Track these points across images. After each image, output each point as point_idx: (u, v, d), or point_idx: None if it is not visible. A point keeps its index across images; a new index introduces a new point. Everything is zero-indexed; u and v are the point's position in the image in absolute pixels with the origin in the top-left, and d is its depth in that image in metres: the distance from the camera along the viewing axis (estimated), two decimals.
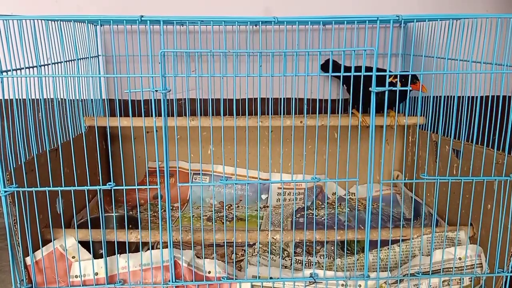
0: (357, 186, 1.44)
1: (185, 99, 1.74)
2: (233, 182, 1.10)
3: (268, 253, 1.30)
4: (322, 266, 1.17)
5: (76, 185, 1.08)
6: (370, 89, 0.98)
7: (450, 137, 1.23)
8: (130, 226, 1.34)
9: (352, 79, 1.09)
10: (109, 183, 1.05)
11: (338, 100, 1.50)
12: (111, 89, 1.73)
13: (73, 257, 1.13)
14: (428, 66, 1.42)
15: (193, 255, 1.13)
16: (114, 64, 1.64)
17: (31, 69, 1.10)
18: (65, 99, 1.22)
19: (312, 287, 1.11)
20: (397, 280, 1.12)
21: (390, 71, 1.04)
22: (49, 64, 1.20)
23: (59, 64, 1.27)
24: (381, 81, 1.00)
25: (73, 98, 1.38)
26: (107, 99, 1.67)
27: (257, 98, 1.65)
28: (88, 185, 1.07)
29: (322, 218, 1.58)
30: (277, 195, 1.76)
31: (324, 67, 1.57)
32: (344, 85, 1.54)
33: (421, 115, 1.50)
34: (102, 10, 1.69)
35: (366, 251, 1.10)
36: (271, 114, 1.47)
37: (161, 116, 0.98)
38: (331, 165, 1.75)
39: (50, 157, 1.11)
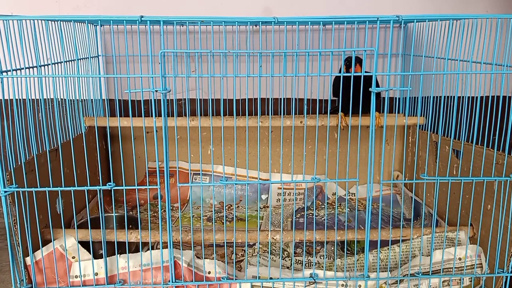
0: (357, 186, 1.44)
1: (185, 99, 1.74)
2: (233, 182, 1.10)
3: (268, 253, 1.30)
4: (322, 266, 1.17)
5: (76, 185, 1.08)
6: (370, 89, 0.98)
7: (450, 137, 1.23)
8: (130, 226, 1.34)
9: (341, 79, 1.10)
10: (109, 183, 1.05)
11: (338, 100, 1.50)
12: (111, 89, 1.73)
13: (73, 257, 1.13)
14: (428, 67, 1.42)
15: (193, 255, 1.13)
16: (114, 64, 1.65)
17: (31, 69, 1.10)
18: (65, 99, 1.22)
19: (312, 287, 1.11)
20: (397, 280, 1.12)
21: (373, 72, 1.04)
22: (49, 64, 1.20)
23: (59, 64, 1.27)
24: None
25: (73, 98, 1.38)
26: (107, 99, 1.67)
27: (257, 98, 1.65)
28: (88, 185, 1.07)
29: (322, 218, 1.58)
30: (277, 195, 1.76)
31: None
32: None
33: (421, 115, 1.50)
34: (102, 10, 1.69)
35: (366, 251, 1.10)
36: (271, 114, 1.47)
37: (161, 116, 0.98)
38: (331, 165, 1.75)
39: (50, 157, 1.11)
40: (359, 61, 1.33)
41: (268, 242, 1.25)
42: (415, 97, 1.64)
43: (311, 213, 1.63)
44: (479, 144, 1.18)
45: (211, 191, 1.75)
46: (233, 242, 1.26)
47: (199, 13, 1.70)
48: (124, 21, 1.11)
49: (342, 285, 1.11)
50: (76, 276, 1.11)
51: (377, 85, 1.24)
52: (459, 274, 1.13)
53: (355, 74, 1.01)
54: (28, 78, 1.00)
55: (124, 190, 1.37)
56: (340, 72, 1.38)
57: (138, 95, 1.67)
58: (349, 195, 1.77)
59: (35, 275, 1.11)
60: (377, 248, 1.14)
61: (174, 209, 1.68)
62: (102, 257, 1.10)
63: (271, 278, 1.11)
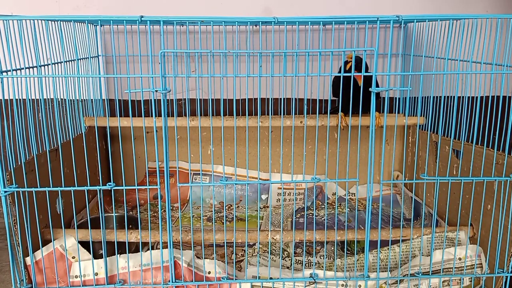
0: (357, 186, 1.44)
1: (185, 99, 1.74)
2: (233, 182, 1.10)
3: (268, 253, 1.30)
4: (322, 266, 1.17)
5: (76, 185, 1.08)
6: (370, 89, 0.98)
7: (450, 137, 1.23)
8: (130, 226, 1.34)
9: (341, 79, 1.10)
10: (109, 183, 1.05)
11: (338, 100, 1.50)
12: (111, 89, 1.73)
13: (73, 257, 1.13)
14: (428, 67, 1.42)
15: (193, 255, 1.13)
16: (114, 64, 1.65)
17: (31, 69, 1.10)
18: (65, 99, 1.22)
19: (312, 287, 1.11)
20: (397, 280, 1.12)
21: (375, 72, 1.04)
22: (49, 64, 1.20)
23: (59, 64, 1.27)
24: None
25: (73, 98, 1.38)
26: (107, 99, 1.67)
27: (257, 98, 1.65)
28: (88, 185, 1.07)
29: (322, 218, 1.58)
30: (277, 195, 1.76)
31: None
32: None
33: (421, 115, 1.50)
34: (102, 10, 1.69)
35: (366, 251, 1.10)
36: (271, 114, 1.47)
37: (161, 116, 0.98)
38: (331, 165, 1.75)
39: (50, 157, 1.11)
40: (359, 61, 1.33)
41: (268, 242, 1.25)
42: (415, 97, 1.64)
43: (311, 213, 1.63)
44: (479, 144, 1.18)
45: (211, 191, 1.75)
46: (233, 242, 1.26)
47: (199, 13, 1.70)
48: (124, 21, 1.11)
49: (342, 285, 1.11)
50: (76, 276, 1.11)
51: (377, 85, 1.23)
52: (459, 274, 1.13)
53: (355, 74, 1.01)
54: (28, 78, 1.00)
55: (124, 190, 1.37)
56: (340, 72, 1.38)
57: (138, 95, 1.67)
58: (349, 195, 1.77)
59: (35, 275, 1.11)
60: (377, 248, 1.14)
61: (174, 209, 1.68)
62: (102, 257, 1.10)
63: (271, 278, 1.11)
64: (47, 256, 1.12)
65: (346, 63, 1.36)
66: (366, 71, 0.99)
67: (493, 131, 1.27)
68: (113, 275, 1.12)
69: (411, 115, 1.60)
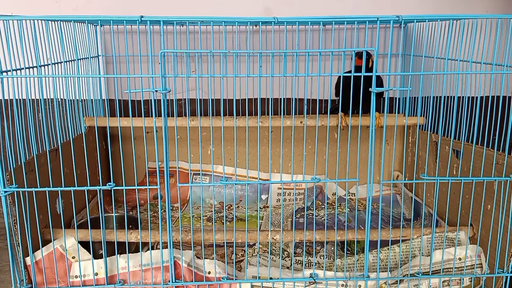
0: (357, 187, 1.44)
1: (185, 99, 1.74)
2: (233, 182, 1.10)
3: (268, 253, 1.30)
4: (322, 267, 1.17)
5: (76, 185, 1.08)
6: (370, 89, 0.98)
7: (450, 137, 1.23)
8: (130, 226, 1.34)
9: (341, 80, 1.10)
10: (109, 183, 1.05)
11: (338, 100, 1.50)
12: (111, 89, 1.73)
13: (73, 257, 1.13)
14: (428, 67, 1.42)
15: (193, 255, 1.13)
16: (114, 64, 1.65)
17: (31, 69, 1.10)
18: (65, 99, 1.22)
19: (312, 287, 1.11)
20: (397, 281, 1.12)
21: (376, 72, 1.04)
22: (49, 64, 1.20)
23: (59, 64, 1.27)
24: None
25: (73, 98, 1.38)
26: (107, 99, 1.67)
27: (257, 99, 1.65)
28: (88, 185, 1.07)
29: (322, 219, 1.58)
30: (277, 195, 1.76)
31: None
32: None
33: (421, 116, 1.50)
34: (102, 10, 1.69)
35: (366, 251, 1.10)
36: (271, 114, 1.47)
37: (161, 116, 0.98)
38: (331, 165, 1.75)
39: (50, 157, 1.11)
40: (360, 56, 1.32)
41: (268, 242, 1.25)
42: (415, 97, 1.64)
43: (311, 213, 1.63)
44: (479, 144, 1.18)
45: (211, 191, 1.75)
46: (233, 242, 1.26)
47: (199, 13, 1.70)
48: (124, 21, 1.11)
49: (342, 285, 1.11)
50: (76, 276, 1.11)
51: (382, 85, 1.23)
52: (459, 274, 1.13)
53: (355, 74, 1.01)
54: (28, 78, 1.00)
55: (124, 190, 1.37)
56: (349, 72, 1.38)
57: (138, 95, 1.67)
58: (349, 195, 1.77)
59: (35, 275, 1.11)
60: (377, 248, 1.14)
61: (174, 209, 1.68)
62: (102, 257, 1.10)
63: (271, 278, 1.11)
64: (47, 256, 1.12)
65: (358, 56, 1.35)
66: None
67: (493, 131, 1.27)
68: (113, 275, 1.12)
69: (411, 115, 1.60)
